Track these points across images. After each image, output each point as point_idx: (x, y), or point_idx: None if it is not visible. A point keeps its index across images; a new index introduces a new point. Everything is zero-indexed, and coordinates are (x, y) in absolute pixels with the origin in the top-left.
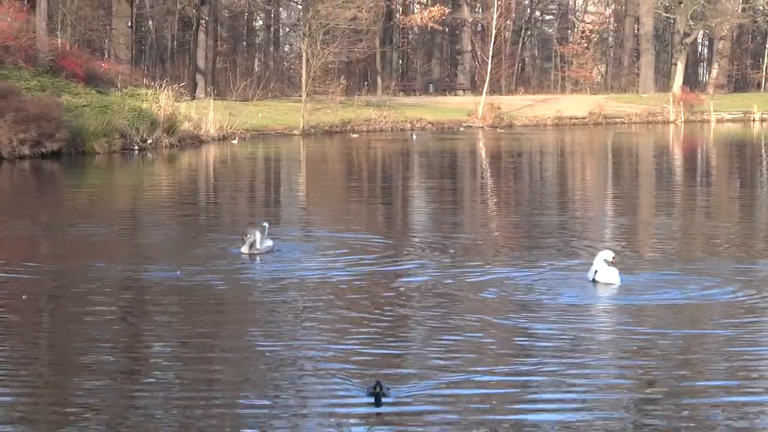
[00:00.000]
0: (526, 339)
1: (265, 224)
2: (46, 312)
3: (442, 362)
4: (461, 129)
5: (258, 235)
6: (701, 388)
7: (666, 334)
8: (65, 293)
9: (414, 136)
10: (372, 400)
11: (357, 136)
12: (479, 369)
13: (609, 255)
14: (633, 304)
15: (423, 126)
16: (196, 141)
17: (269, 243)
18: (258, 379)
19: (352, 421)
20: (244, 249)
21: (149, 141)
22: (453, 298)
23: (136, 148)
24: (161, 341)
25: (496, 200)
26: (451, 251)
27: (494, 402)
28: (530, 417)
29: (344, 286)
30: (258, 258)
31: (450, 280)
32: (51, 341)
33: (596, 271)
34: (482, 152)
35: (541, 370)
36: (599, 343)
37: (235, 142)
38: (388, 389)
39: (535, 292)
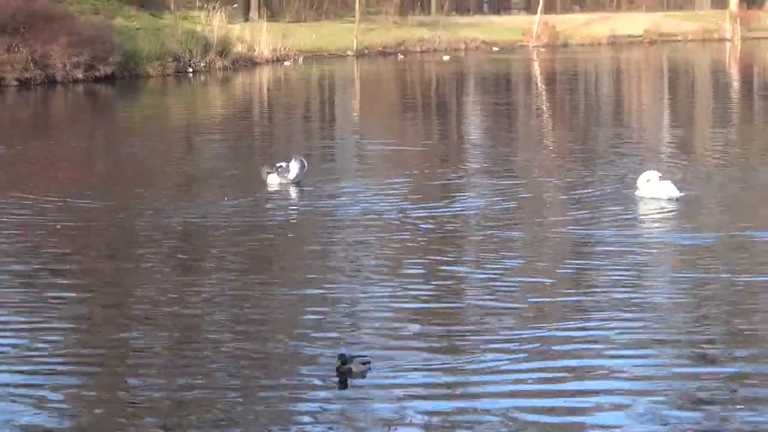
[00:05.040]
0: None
1: (301, 161)
2: (90, 240)
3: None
4: (496, 50)
5: (294, 164)
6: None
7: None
8: (111, 222)
9: (445, 58)
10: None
11: (403, 57)
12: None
13: (653, 175)
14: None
15: (476, 46)
16: (249, 63)
17: (296, 171)
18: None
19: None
20: (272, 180)
21: (202, 63)
22: (509, 225)
23: (190, 70)
24: (205, 283)
25: (551, 116)
26: (507, 168)
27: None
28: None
29: (398, 215)
30: (291, 187)
31: (505, 203)
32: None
33: (650, 186)
34: (537, 72)
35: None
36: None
37: (288, 63)
38: (366, 363)
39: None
